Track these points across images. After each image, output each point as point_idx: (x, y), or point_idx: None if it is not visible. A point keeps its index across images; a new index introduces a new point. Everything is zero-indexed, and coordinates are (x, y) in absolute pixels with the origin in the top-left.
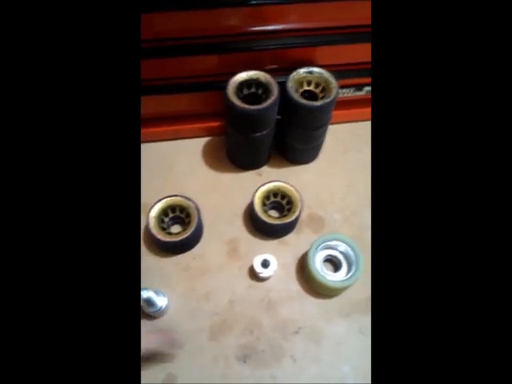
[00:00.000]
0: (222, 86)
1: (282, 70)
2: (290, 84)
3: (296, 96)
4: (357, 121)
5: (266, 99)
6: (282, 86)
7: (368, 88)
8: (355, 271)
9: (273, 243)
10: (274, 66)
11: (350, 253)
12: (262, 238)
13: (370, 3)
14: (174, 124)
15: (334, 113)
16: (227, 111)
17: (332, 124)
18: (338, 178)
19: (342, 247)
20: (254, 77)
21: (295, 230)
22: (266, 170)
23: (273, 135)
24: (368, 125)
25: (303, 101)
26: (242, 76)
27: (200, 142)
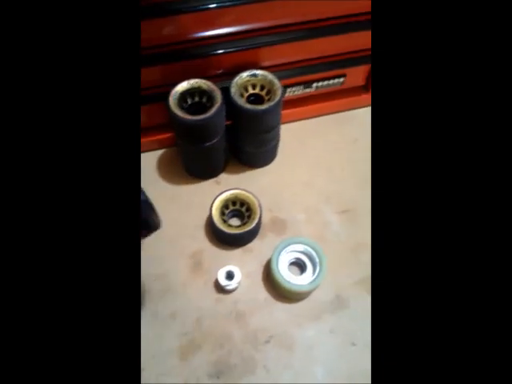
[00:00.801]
0: (167, 96)
1: (227, 75)
2: (234, 89)
3: (240, 101)
4: (310, 117)
5: (210, 107)
6: (228, 91)
7: (317, 84)
8: (319, 272)
9: (237, 252)
10: (217, 72)
11: (313, 254)
12: (225, 249)
13: (305, 1)
14: None
15: (287, 112)
16: (172, 123)
17: (286, 123)
18: (297, 176)
19: (305, 249)
20: (196, 85)
21: (258, 235)
22: (224, 177)
23: (224, 142)
24: (321, 120)
25: (248, 106)
26: (184, 85)
27: (154, 156)
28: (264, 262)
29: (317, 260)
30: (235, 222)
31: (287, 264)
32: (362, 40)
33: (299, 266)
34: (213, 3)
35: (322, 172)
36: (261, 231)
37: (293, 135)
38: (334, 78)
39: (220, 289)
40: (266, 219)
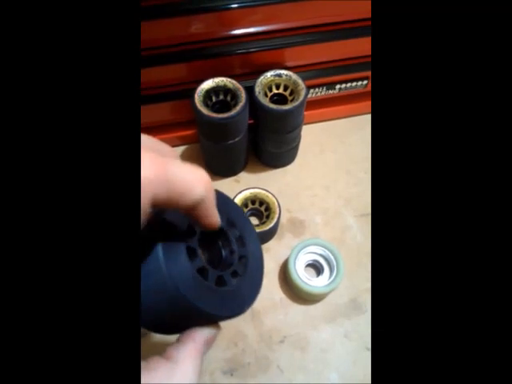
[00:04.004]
0: (192, 93)
1: (252, 74)
2: (258, 89)
3: (264, 101)
4: (331, 119)
5: (234, 106)
6: (252, 90)
7: (340, 86)
8: (336, 275)
9: None
10: (243, 71)
11: (331, 256)
12: None
13: (334, 1)
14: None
15: (309, 113)
16: (196, 120)
17: (307, 124)
18: (317, 178)
19: (323, 251)
20: (221, 84)
21: (276, 235)
22: (243, 175)
23: (247, 141)
24: (342, 122)
25: (271, 106)
26: (209, 84)
27: (177, 151)
28: (281, 262)
29: (334, 263)
30: (254, 221)
31: (304, 265)
32: None
33: (316, 268)
34: (238, 2)
35: (342, 174)
36: (278, 231)
37: (314, 136)
38: (357, 80)
39: None
40: (284, 220)
